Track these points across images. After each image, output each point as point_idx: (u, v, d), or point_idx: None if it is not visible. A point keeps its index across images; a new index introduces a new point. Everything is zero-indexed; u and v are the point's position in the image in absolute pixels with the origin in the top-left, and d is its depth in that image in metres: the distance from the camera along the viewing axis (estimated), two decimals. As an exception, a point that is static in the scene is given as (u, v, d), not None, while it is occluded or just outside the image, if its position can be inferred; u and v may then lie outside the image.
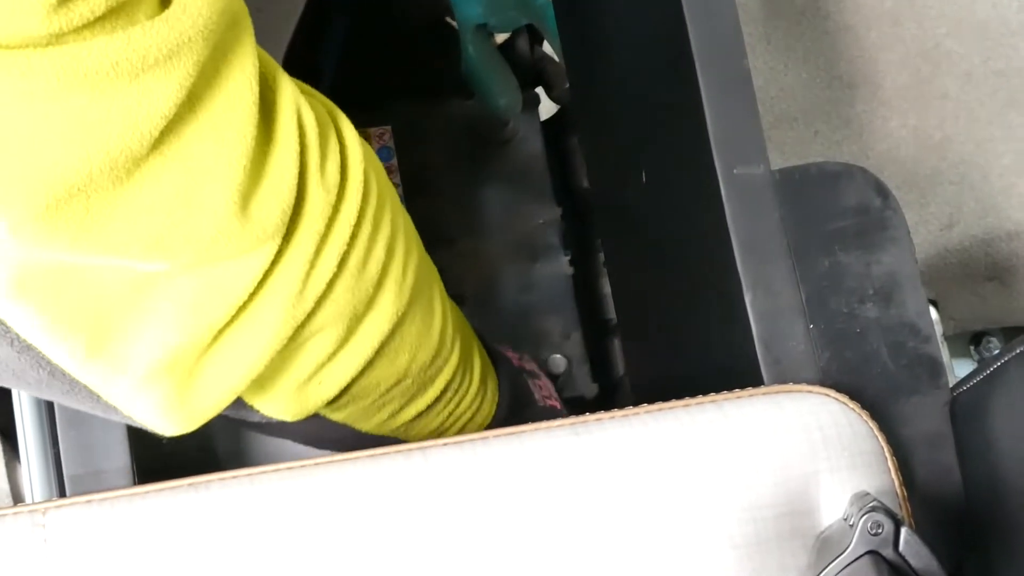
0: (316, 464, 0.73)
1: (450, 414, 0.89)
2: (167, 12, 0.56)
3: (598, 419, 0.76)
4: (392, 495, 0.71)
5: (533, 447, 0.74)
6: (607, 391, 1.46)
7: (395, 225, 0.75)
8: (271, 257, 0.65)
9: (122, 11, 0.55)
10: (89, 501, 0.70)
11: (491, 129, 1.49)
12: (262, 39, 0.64)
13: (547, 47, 1.56)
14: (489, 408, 0.96)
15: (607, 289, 1.43)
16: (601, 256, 1.44)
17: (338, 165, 0.69)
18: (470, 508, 0.71)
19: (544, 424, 0.76)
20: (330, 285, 0.69)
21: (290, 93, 0.67)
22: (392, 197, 0.77)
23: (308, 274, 0.67)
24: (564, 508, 0.72)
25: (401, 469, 0.72)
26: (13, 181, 0.54)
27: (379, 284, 0.74)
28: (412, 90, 1.56)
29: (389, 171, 1.44)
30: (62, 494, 0.82)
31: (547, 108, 1.56)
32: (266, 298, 0.67)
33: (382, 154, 1.45)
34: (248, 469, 0.72)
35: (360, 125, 1.45)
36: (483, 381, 0.94)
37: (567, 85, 1.49)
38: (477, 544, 0.71)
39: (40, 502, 0.71)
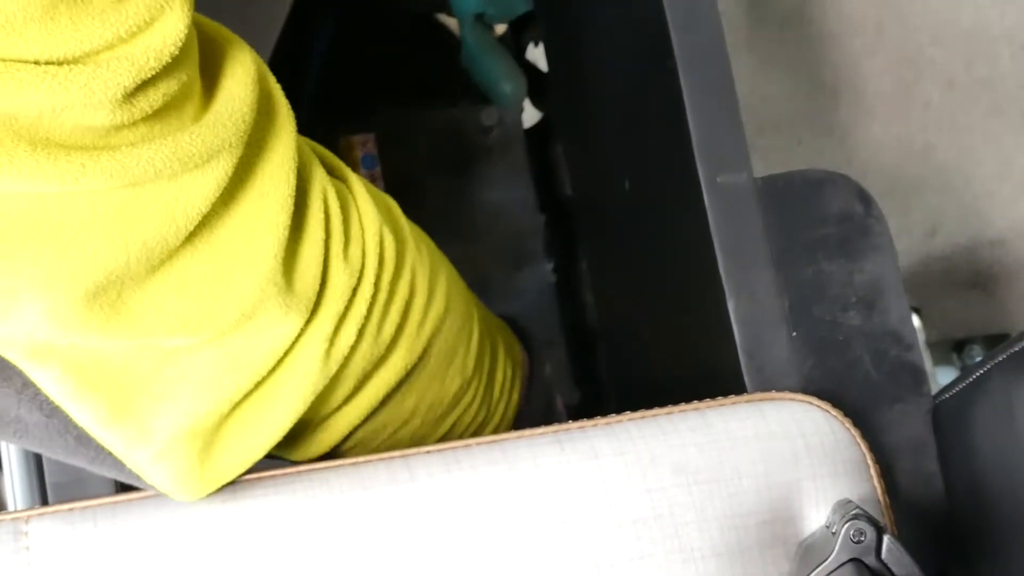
0: (298, 472, 0.73)
1: (464, 427, 0.89)
2: (211, 115, 0.59)
3: (581, 427, 0.76)
4: (373, 504, 0.71)
5: (515, 455, 0.74)
6: (590, 399, 1.46)
7: (413, 280, 0.76)
8: (292, 337, 0.67)
9: (173, 104, 0.57)
10: (71, 509, 0.70)
11: (475, 136, 1.49)
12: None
13: (531, 56, 1.57)
14: (512, 410, 0.97)
15: (590, 297, 1.43)
16: (584, 264, 1.44)
17: (360, 247, 0.71)
18: (450, 515, 0.71)
19: (527, 432, 0.76)
20: (347, 357, 0.71)
21: (319, 180, 0.69)
22: (411, 238, 0.78)
23: (328, 352, 0.69)
24: (545, 515, 0.72)
25: (383, 478, 0.72)
26: (57, 269, 0.56)
27: (392, 344, 0.75)
28: (396, 97, 1.56)
29: (373, 179, 1.44)
30: (44, 502, 0.82)
31: (530, 116, 1.56)
32: (286, 373, 0.68)
33: (366, 161, 1.45)
34: (231, 483, 0.72)
35: (344, 132, 1.45)
36: (505, 391, 0.94)
37: (551, 93, 1.49)
38: (454, 553, 0.71)
39: (23, 510, 0.70)
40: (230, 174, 0.60)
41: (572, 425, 0.77)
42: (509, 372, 0.95)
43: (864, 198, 0.86)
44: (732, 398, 0.79)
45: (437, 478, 0.72)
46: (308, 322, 0.68)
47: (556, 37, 1.39)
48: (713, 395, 0.79)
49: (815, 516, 0.74)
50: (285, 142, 0.65)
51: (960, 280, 1.94)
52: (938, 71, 1.98)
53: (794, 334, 0.84)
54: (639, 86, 1.00)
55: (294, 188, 0.65)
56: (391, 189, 1.45)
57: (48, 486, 0.79)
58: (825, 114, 1.96)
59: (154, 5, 0.53)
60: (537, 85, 1.53)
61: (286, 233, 0.64)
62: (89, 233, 0.56)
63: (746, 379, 0.83)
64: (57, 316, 0.58)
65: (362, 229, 0.71)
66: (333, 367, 0.70)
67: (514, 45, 1.55)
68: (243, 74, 0.62)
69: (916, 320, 1.76)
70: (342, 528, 0.70)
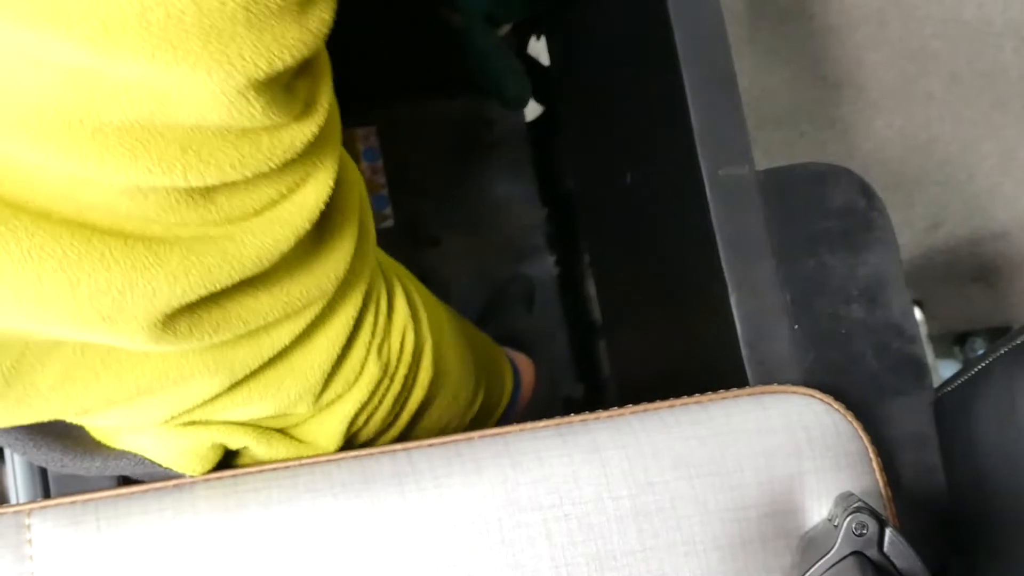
0: (300, 464, 0.73)
1: None
2: (318, 270, 0.64)
3: (583, 420, 0.76)
4: (375, 497, 0.71)
5: (518, 448, 0.74)
6: (593, 392, 1.46)
7: (419, 374, 0.80)
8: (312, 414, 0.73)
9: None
10: (73, 502, 0.70)
11: (477, 129, 1.49)
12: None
13: (532, 49, 1.56)
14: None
15: (593, 290, 1.43)
16: (587, 257, 1.44)
17: (388, 343, 0.75)
18: (453, 509, 0.71)
19: (529, 425, 0.76)
20: (353, 434, 0.77)
21: (377, 289, 0.74)
22: (426, 324, 0.81)
23: (347, 430, 0.75)
24: (547, 508, 0.72)
25: (385, 471, 0.72)
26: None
27: (385, 429, 0.80)
28: (399, 90, 1.56)
29: (375, 171, 1.44)
30: (46, 495, 0.82)
31: (532, 110, 1.56)
32: (303, 433, 0.75)
33: (368, 155, 1.44)
34: (233, 470, 0.72)
35: (346, 125, 1.45)
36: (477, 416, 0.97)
37: (553, 87, 1.49)
38: (456, 545, 0.71)
39: (25, 503, 0.70)
40: (316, 315, 0.65)
41: (574, 418, 0.77)
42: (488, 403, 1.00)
43: (866, 191, 0.86)
44: (734, 391, 0.79)
45: (439, 471, 0.72)
46: (336, 402, 0.73)
47: (558, 31, 1.39)
48: (715, 388, 0.79)
49: (817, 509, 0.74)
50: (364, 278, 0.70)
51: (962, 273, 1.94)
52: (941, 64, 1.98)
53: (796, 327, 0.84)
54: (641, 80, 1.00)
55: (359, 309, 0.70)
56: (393, 182, 1.45)
57: (50, 479, 0.80)
58: (827, 107, 1.95)
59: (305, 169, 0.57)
60: (539, 79, 1.53)
61: (339, 351, 0.69)
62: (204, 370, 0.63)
63: (748, 372, 0.83)
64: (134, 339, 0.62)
65: (392, 327, 0.76)
66: (344, 439, 0.75)
67: (515, 39, 1.55)
68: (350, 230, 0.66)
69: (918, 313, 1.75)
70: (344, 520, 0.70)
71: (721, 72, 0.86)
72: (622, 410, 0.77)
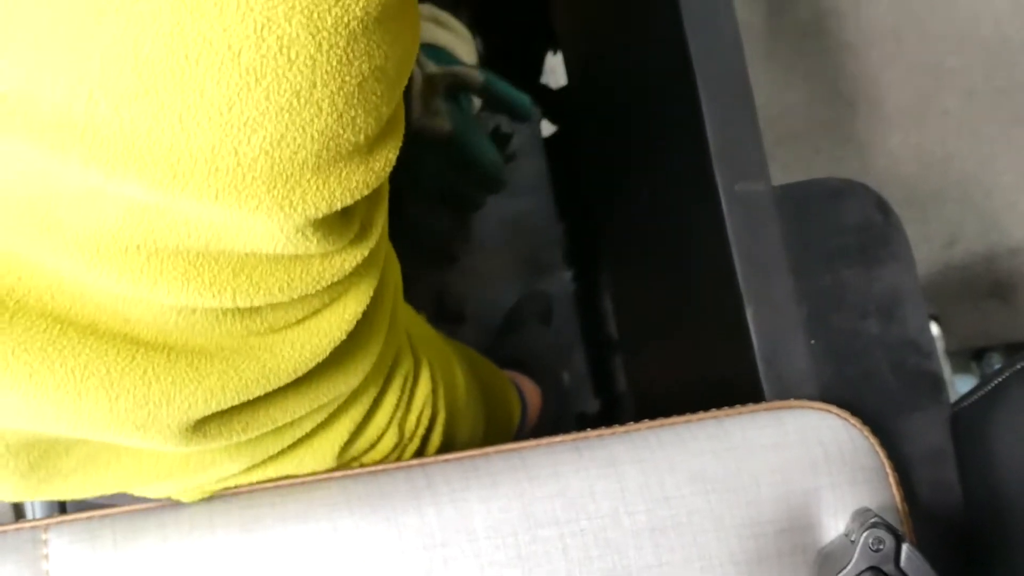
0: (317, 480, 0.73)
1: None
2: (349, 374, 0.65)
3: (599, 435, 0.76)
4: (393, 509, 0.71)
5: (534, 463, 0.74)
6: (609, 406, 1.46)
7: (425, 451, 0.81)
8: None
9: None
10: (90, 517, 0.70)
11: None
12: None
13: (549, 64, 1.57)
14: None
15: (610, 305, 1.43)
16: (604, 273, 1.44)
17: (408, 416, 0.77)
18: (467, 523, 0.71)
19: (545, 439, 0.76)
20: None
21: (405, 366, 0.75)
22: (445, 402, 0.82)
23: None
24: (562, 522, 0.72)
25: (401, 487, 0.72)
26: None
27: None
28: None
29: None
30: (63, 510, 0.82)
31: (549, 126, 1.56)
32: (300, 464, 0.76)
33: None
34: (249, 485, 0.72)
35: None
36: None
37: (570, 104, 1.49)
38: (471, 560, 0.71)
39: (41, 518, 0.70)
40: (340, 404, 0.68)
41: (591, 433, 0.77)
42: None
43: (883, 207, 0.86)
44: (750, 406, 0.79)
45: (455, 485, 0.72)
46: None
47: (575, 47, 1.39)
48: (731, 403, 0.79)
49: (834, 524, 0.74)
50: (388, 360, 0.72)
51: (979, 289, 1.94)
52: (957, 81, 1.98)
53: (812, 342, 0.83)
54: (658, 95, 1.00)
55: (380, 387, 0.72)
56: (410, 197, 1.45)
57: (67, 494, 0.80)
58: (844, 124, 1.95)
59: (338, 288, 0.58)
60: (553, 96, 1.53)
61: (356, 426, 0.71)
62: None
63: (764, 387, 0.83)
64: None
65: (414, 403, 0.77)
66: None
67: (531, 56, 1.55)
68: (382, 326, 0.67)
69: (935, 328, 1.75)
70: (360, 534, 0.70)
71: (738, 88, 0.87)
72: (638, 425, 0.77)
